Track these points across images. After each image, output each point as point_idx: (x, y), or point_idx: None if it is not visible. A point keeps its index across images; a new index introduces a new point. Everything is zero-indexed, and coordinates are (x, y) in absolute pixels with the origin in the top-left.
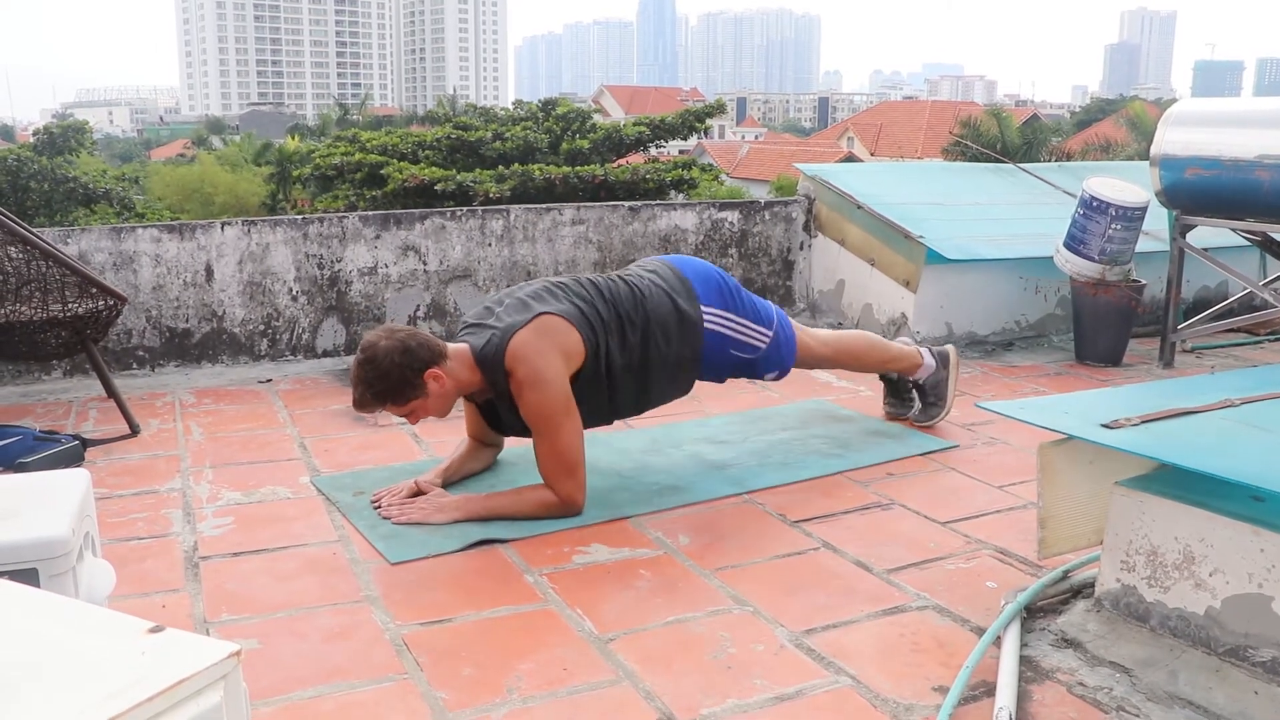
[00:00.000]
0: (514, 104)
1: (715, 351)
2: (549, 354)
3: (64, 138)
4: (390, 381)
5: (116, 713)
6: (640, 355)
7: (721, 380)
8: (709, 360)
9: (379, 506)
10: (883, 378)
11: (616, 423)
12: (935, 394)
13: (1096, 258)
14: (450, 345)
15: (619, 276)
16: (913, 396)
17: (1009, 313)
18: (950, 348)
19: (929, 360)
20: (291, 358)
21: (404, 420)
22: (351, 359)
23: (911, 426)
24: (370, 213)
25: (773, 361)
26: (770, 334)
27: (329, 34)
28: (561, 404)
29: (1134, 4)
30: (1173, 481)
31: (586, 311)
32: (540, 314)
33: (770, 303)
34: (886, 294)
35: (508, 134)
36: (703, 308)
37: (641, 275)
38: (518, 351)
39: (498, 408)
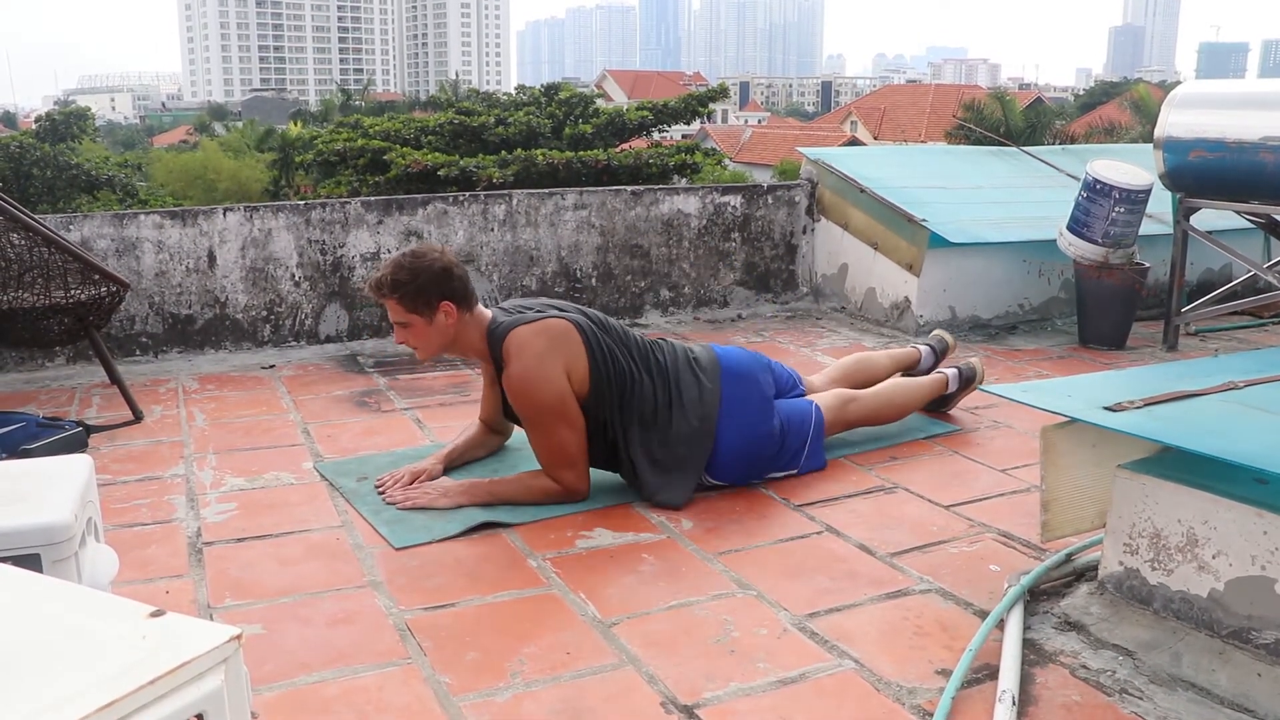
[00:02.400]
0: (516, 89)
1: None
2: (545, 355)
3: (66, 124)
4: (416, 283)
5: (117, 696)
6: (665, 417)
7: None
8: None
9: (383, 492)
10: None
11: None
12: (944, 402)
13: (1100, 241)
14: (480, 307)
15: (664, 346)
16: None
17: (1012, 296)
18: (978, 363)
19: (952, 388)
20: (294, 344)
21: (398, 341)
22: (355, 344)
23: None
24: (372, 198)
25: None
26: (791, 470)
27: (331, 19)
28: (553, 405)
29: None
30: (1176, 464)
31: (602, 342)
32: (550, 316)
33: (809, 402)
34: (889, 278)
35: (510, 119)
36: (707, 477)
37: (681, 369)
38: (512, 346)
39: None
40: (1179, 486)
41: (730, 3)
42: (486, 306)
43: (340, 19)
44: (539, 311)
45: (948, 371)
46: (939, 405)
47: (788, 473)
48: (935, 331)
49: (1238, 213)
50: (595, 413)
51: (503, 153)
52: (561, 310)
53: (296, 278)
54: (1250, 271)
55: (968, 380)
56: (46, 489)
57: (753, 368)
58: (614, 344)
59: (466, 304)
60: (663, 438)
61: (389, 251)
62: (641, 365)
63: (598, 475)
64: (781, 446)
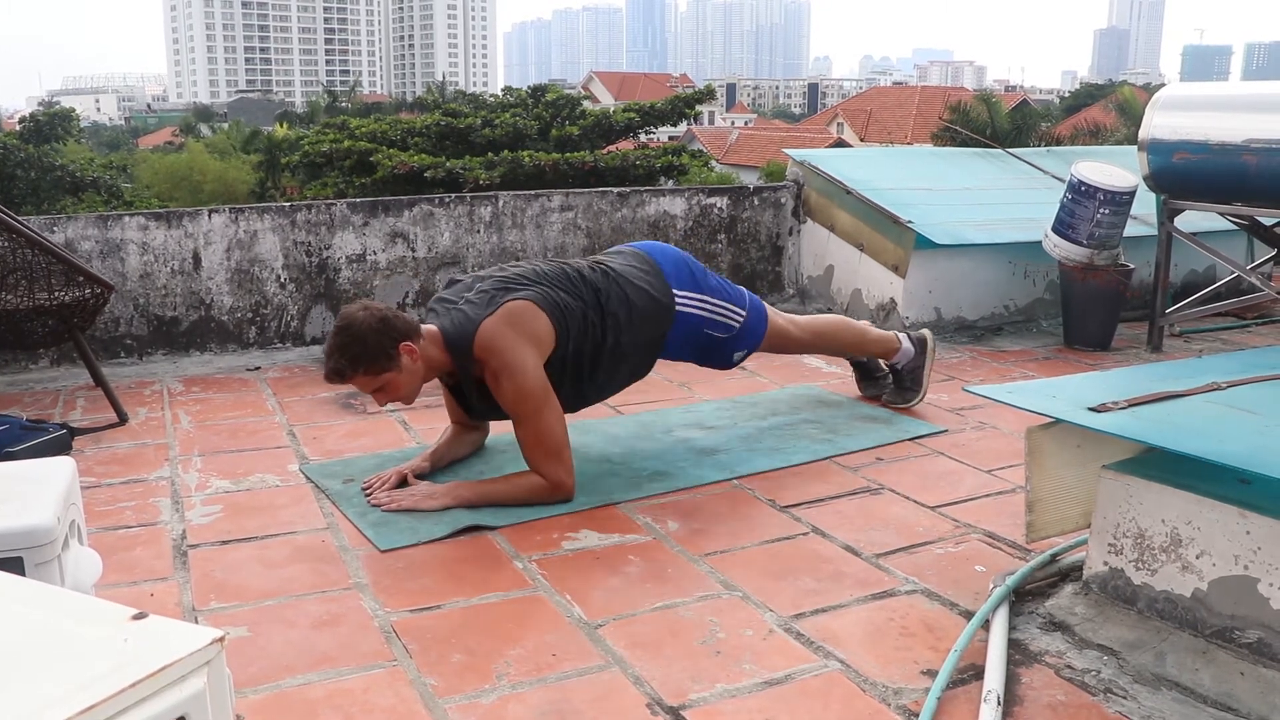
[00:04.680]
0: (503, 90)
1: (688, 331)
2: (519, 342)
3: (50, 125)
4: (366, 348)
5: (97, 700)
6: (612, 341)
7: (687, 359)
8: (679, 340)
9: (369, 494)
10: (853, 362)
11: (606, 409)
12: (911, 379)
13: (1085, 242)
14: (423, 326)
15: (594, 264)
16: (885, 375)
17: (998, 297)
18: (926, 332)
19: (906, 345)
20: (280, 345)
21: (382, 404)
22: None
23: (895, 410)
24: (358, 200)
25: (743, 340)
26: (744, 313)
27: (317, 21)
28: (538, 390)
29: None
30: (1160, 465)
31: (558, 299)
32: (507, 301)
33: (738, 285)
34: (875, 279)
35: (497, 121)
36: (675, 292)
37: (614, 264)
38: (486, 342)
39: (465, 392)
40: (1163, 487)
41: (717, 4)
42: (422, 320)
43: (326, 20)
44: (488, 296)
45: (899, 332)
46: (869, 375)
47: (737, 310)
48: (923, 330)
49: (1221, 214)
50: (562, 361)
51: (489, 154)
52: (508, 288)
53: (282, 279)
54: (1234, 273)
55: (919, 343)
56: (29, 492)
57: (672, 248)
58: (566, 296)
59: (416, 334)
60: (626, 346)
61: (375, 253)
62: (594, 304)
63: (583, 478)
64: (725, 287)
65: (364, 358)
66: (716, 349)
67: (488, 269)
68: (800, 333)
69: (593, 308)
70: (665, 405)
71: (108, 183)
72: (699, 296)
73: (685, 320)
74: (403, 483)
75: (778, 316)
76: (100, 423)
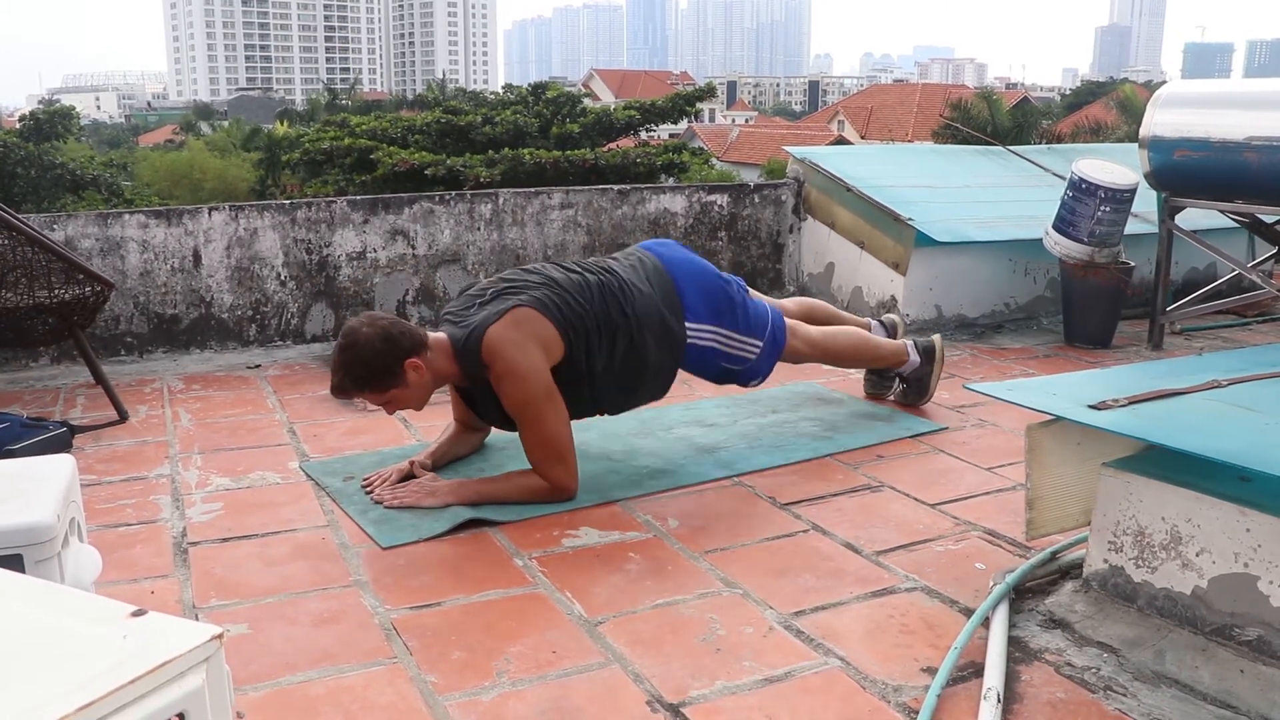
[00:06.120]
0: (503, 88)
1: (701, 362)
2: (525, 345)
3: (50, 123)
4: (371, 369)
5: (96, 696)
6: (622, 359)
7: (704, 378)
8: (691, 367)
9: (370, 491)
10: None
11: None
12: (918, 387)
13: (1086, 240)
14: (431, 335)
15: (609, 269)
16: (893, 377)
17: (998, 295)
18: (937, 339)
19: (914, 357)
20: (280, 343)
21: (390, 413)
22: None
23: (896, 407)
24: (358, 197)
25: (758, 372)
26: (760, 344)
27: (317, 18)
28: (542, 394)
29: None
30: (1160, 462)
31: (565, 307)
32: (515, 306)
33: (768, 303)
34: (876, 277)
35: (497, 118)
36: (689, 325)
37: (632, 278)
38: (493, 345)
39: (476, 398)
40: (1163, 484)
41: (717, 2)
42: (436, 324)
43: (327, 18)
44: (495, 302)
45: (906, 341)
46: (878, 373)
47: (755, 343)
48: (934, 337)
49: (1222, 212)
50: (570, 369)
51: (490, 152)
52: (516, 293)
53: (282, 277)
54: (1234, 270)
55: (927, 352)
56: (28, 489)
57: (695, 263)
58: (575, 303)
59: (423, 346)
60: (634, 366)
61: (375, 251)
62: (605, 316)
63: (584, 475)
64: (746, 315)
65: (369, 378)
66: (731, 378)
67: (504, 272)
68: (810, 350)
69: (604, 323)
70: (665, 403)
71: (108, 181)
72: (714, 330)
73: (698, 352)
74: (404, 478)
75: (793, 337)
76: (100, 420)
